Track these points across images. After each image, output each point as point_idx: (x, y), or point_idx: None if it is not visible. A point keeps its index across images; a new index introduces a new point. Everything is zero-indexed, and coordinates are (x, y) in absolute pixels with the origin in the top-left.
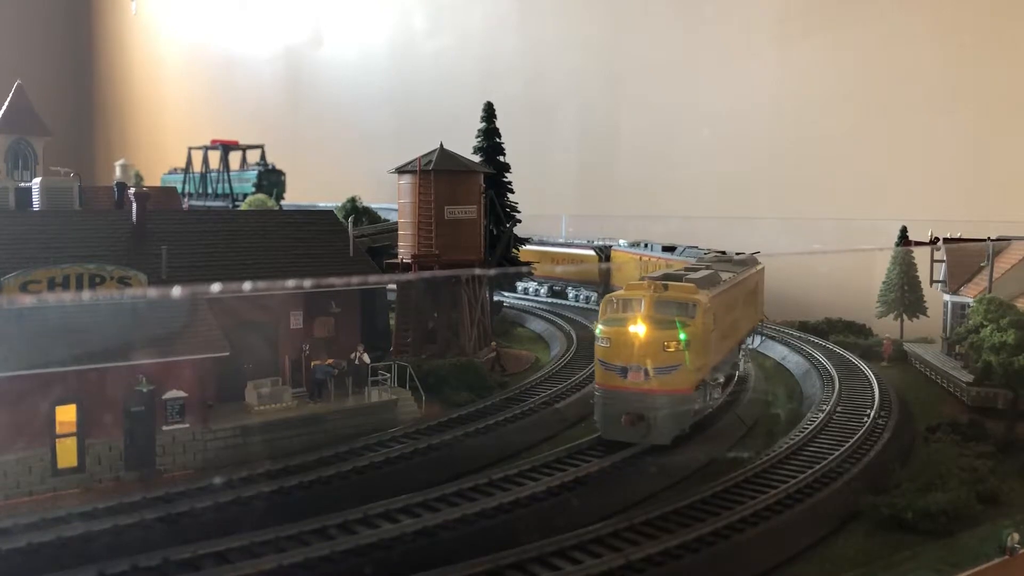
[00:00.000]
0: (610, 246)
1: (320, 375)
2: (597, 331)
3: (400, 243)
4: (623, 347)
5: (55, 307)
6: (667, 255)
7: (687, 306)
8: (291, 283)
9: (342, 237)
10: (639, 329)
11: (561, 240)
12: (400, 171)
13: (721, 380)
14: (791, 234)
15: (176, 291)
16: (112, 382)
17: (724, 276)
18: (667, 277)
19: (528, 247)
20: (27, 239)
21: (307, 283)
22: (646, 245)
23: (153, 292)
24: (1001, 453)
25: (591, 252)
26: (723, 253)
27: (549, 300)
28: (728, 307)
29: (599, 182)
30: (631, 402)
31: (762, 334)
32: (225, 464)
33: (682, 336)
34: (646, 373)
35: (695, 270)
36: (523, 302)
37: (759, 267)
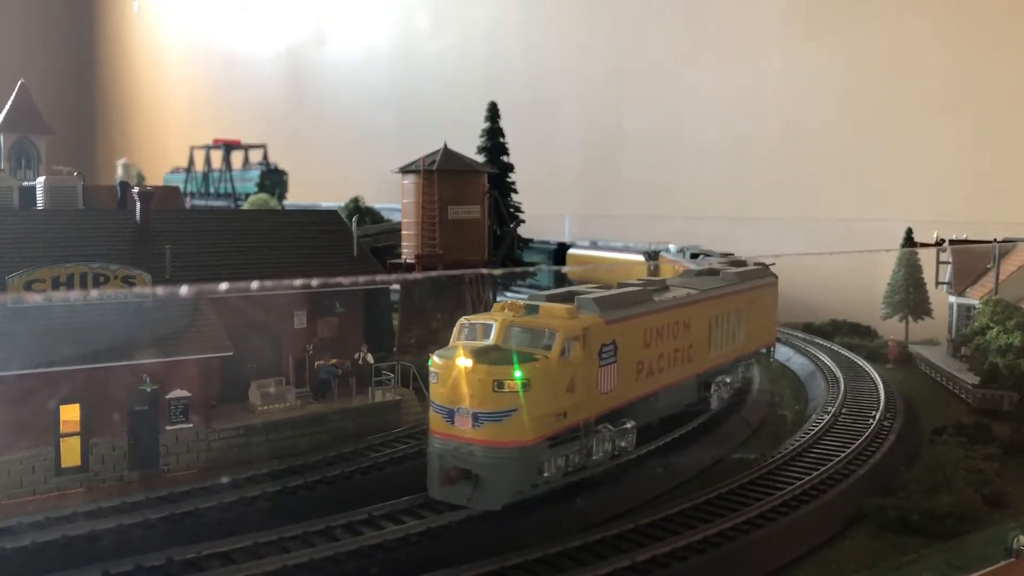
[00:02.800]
0: (658, 251)
1: (324, 375)
2: (430, 362)
3: (403, 243)
4: (450, 385)
5: (59, 306)
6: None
7: (542, 335)
8: (295, 283)
9: (346, 237)
10: (466, 363)
11: (617, 244)
12: (404, 171)
13: (630, 425)
14: (796, 235)
15: (180, 290)
16: (116, 381)
17: (663, 296)
18: (552, 297)
19: (576, 251)
20: (31, 238)
21: (311, 283)
22: (695, 255)
23: (157, 291)
24: (1007, 455)
25: (640, 258)
26: (740, 262)
27: None
28: (656, 334)
29: (603, 182)
30: (459, 454)
31: (762, 357)
32: (229, 464)
33: (518, 374)
34: (474, 418)
35: (625, 285)
36: None
37: (765, 281)
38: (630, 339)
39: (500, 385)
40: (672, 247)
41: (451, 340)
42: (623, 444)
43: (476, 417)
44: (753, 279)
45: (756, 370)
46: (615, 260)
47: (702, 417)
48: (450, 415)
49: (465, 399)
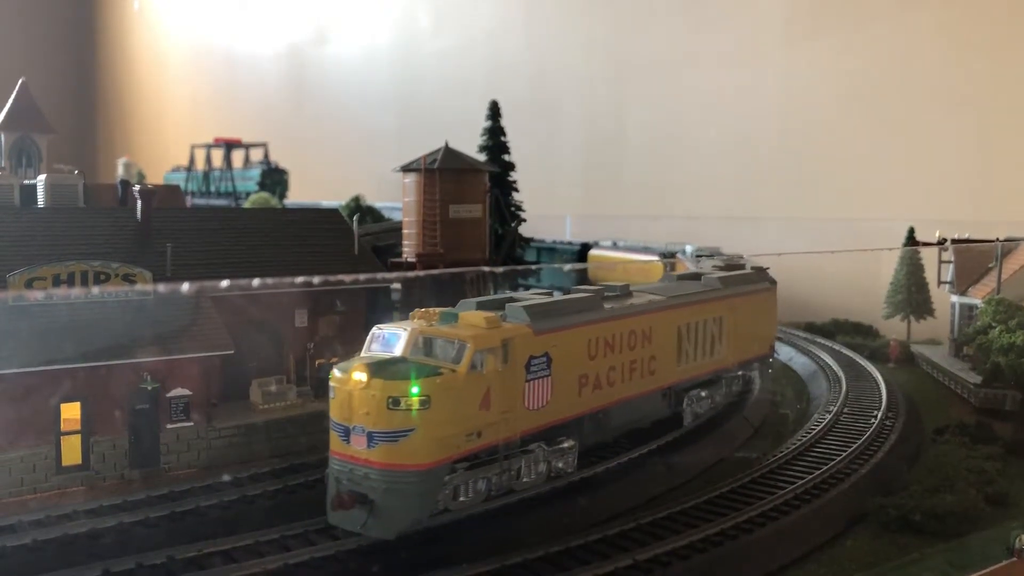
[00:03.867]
0: (674, 252)
1: (325, 374)
2: (330, 375)
3: (404, 242)
4: (346, 401)
5: (60, 304)
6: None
7: (451, 347)
8: (296, 281)
9: (347, 236)
10: (361, 377)
11: (637, 245)
12: (405, 169)
13: (568, 444)
14: (798, 234)
15: (181, 289)
16: (117, 380)
17: (618, 304)
18: (483, 304)
19: (597, 251)
20: (32, 236)
21: (312, 281)
22: (698, 255)
23: (158, 289)
24: (1009, 455)
25: (656, 259)
26: (737, 265)
27: None
28: (605, 345)
29: (604, 182)
30: (354, 476)
31: (752, 373)
32: (230, 462)
33: (415, 390)
34: (369, 438)
35: (577, 291)
36: None
37: (757, 287)
38: (569, 350)
39: (395, 402)
40: (688, 248)
41: (363, 349)
42: (560, 465)
43: (371, 437)
44: (741, 285)
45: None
46: (628, 260)
47: (674, 433)
48: (346, 434)
49: (360, 417)
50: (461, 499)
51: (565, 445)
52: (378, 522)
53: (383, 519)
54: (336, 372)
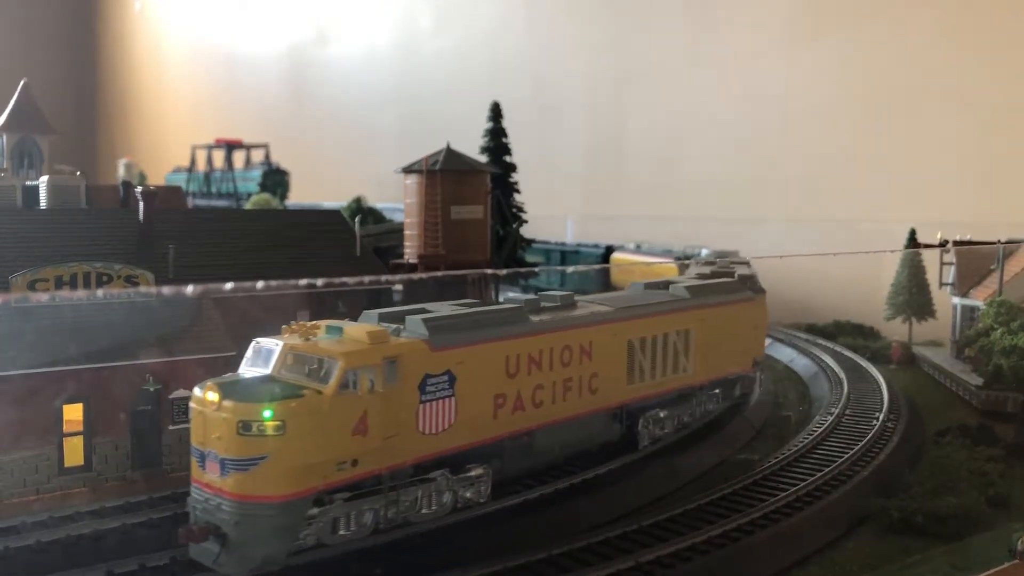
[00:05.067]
0: (690, 255)
1: None
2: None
3: (406, 243)
4: (200, 423)
5: (62, 306)
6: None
7: (320, 365)
8: (298, 283)
9: (349, 237)
10: (213, 398)
11: (657, 249)
12: (406, 171)
13: (476, 472)
14: (800, 236)
15: (183, 290)
16: (119, 381)
17: (550, 316)
18: (385, 316)
19: (620, 254)
20: (34, 237)
21: (315, 283)
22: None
23: (160, 291)
24: (1011, 457)
25: (673, 264)
26: (725, 273)
27: None
28: (529, 361)
29: (606, 183)
30: (208, 507)
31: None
32: None
33: (267, 413)
34: (222, 465)
35: (504, 303)
36: None
37: (736, 296)
38: (480, 368)
39: (246, 427)
40: (704, 251)
41: (241, 365)
42: (469, 495)
43: (223, 464)
44: (715, 295)
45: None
46: (641, 262)
47: (627, 458)
48: (202, 459)
49: (212, 442)
50: (341, 532)
51: (473, 473)
52: (231, 558)
53: (236, 555)
54: (196, 390)
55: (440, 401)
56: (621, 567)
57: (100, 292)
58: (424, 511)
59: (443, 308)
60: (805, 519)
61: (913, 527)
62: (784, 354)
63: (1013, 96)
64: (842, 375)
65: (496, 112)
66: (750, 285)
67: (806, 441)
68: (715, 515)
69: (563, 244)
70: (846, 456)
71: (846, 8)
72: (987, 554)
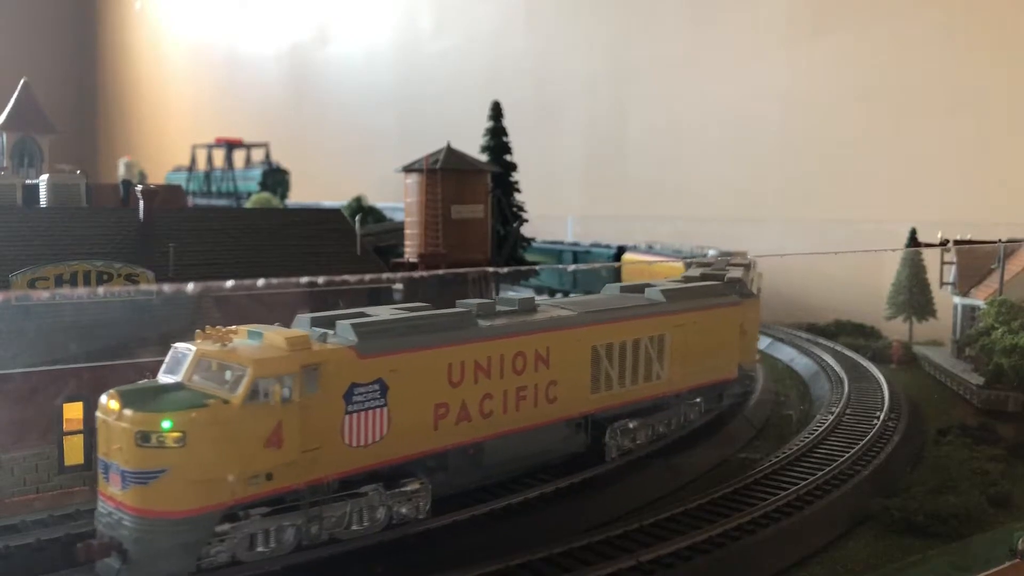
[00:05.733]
0: (695, 256)
1: None
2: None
3: (406, 242)
4: (104, 432)
5: (61, 304)
6: None
7: (230, 373)
8: (298, 281)
9: (349, 236)
10: (114, 405)
11: (667, 250)
12: (407, 170)
13: (413, 487)
14: (800, 235)
15: (184, 289)
16: (119, 379)
17: (504, 320)
18: (317, 321)
19: (631, 255)
20: (34, 236)
21: (315, 281)
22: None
23: (160, 289)
24: (1012, 456)
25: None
26: (715, 275)
27: None
28: (476, 368)
29: (606, 182)
30: (110, 521)
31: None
32: None
33: (166, 424)
34: (123, 478)
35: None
36: None
37: (719, 301)
38: (417, 376)
39: (145, 438)
40: (711, 251)
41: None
42: (404, 511)
43: (123, 477)
44: (694, 299)
45: (760, 370)
46: (643, 261)
47: (595, 469)
48: (106, 471)
49: (114, 452)
50: (260, 549)
51: (409, 488)
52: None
53: (136, 572)
54: (102, 398)
55: (369, 412)
56: (622, 566)
57: (101, 290)
58: (355, 527)
59: (382, 312)
60: (806, 518)
61: (914, 526)
62: (785, 353)
63: (1014, 95)
64: (842, 374)
65: (497, 111)
66: (738, 288)
67: (807, 440)
68: (716, 514)
69: (576, 244)
70: (847, 455)
71: (847, 7)
72: (988, 553)
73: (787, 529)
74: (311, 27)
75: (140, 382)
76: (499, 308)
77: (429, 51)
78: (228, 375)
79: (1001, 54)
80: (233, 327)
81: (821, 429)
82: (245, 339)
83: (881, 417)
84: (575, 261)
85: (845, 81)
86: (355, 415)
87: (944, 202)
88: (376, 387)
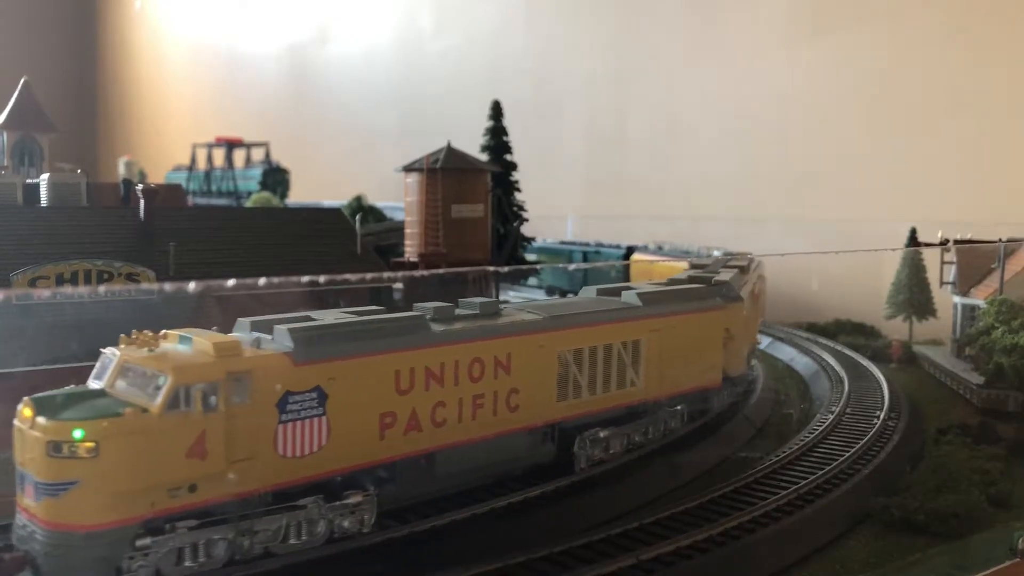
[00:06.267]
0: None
1: None
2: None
3: (407, 242)
4: (18, 440)
5: (63, 303)
6: None
7: (151, 379)
8: (299, 280)
9: (350, 235)
10: (27, 413)
11: (678, 250)
12: (407, 169)
13: (356, 500)
14: (799, 234)
15: (184, 288)
16: None
17: (460, 325)
18: (257, 325)
19: (639, 255)
20: (35, 235)
21: (315, 280)
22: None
23: (162, 288)
24: (1012, 455)
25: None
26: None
27: None
28: (428, 375)
29: (606, 182)
30: (23, 534)
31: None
32: None
33: (77, 434)
34: (36, 489)
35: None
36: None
37: (699, 305)
38: (360, 384)
39: (57, 448)
40: (716, 252)
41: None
42: (347, 524)
43: (36, 488)
44: (674, 302)
45: (760, 369)
46: (646, 261)
47: (564, 480)
48: (22, 482)
49: (28, 462)
50: (187, 564)
51: (352, 500)
52: None
53: None
54: (20, 405)
55: (306, 421)
56: (623, 564)
57: (102, 289)
58: (292, 541)
59: (329, 316)
60: (806, 517)
61: (914, 525)
62: (785, 353)
63: (1014, 94)
64: (842, 374)
65: (497, 111)
66: (724, 291)
67: (807, 439)
68: (716, 513)
69: (587, 244)
70: (847, 455)
71: (847, 7)
72: (988, 553)
73: (787, 528)
74: (311, 27)
75: (64, 388)
76: (459, 312)
77: (429, 50)
78: (149, 382)
79: (1001, 54)
80: (164, 331)
81: (821, 428)
82: (176, 344)
83: (881, 416)
84: (585, 261)
85: (845, 81)
86: (290, 425)
87: (944, 201)
88: (314, 395)
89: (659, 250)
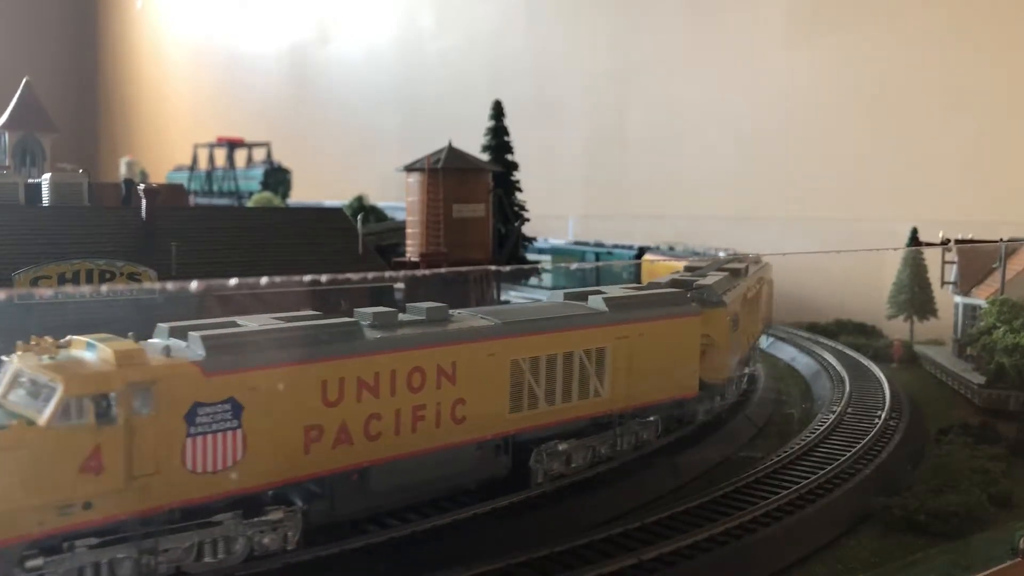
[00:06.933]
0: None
1: None
2: None
3: (408, 241)
4: None
5: (65, 303)
6: None
7: (41, 391)
8: (301, 280)
9: (351, 235)
10: None
11: (689, 251)
12: (409, 169)
13: (277, 516)
14: (800, 234)
15: (186, 287)
16: None
17: (400, 332)
18: (176, 331)
19: (650, 256)
20: (37, 235)
21: (317, 280)
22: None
23: (164, 287)
24: (1013, 455)
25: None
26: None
27: None
28: (360, 385)
29: (607, 181)
30: None
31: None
32: None
33: None
34: None
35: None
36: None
37: (670, 311)
38: (281, 395)
39: None
40: (722, 253)
41: None
42: (266, 542)
43: None
44: (643, 308)
45: (761, 369)
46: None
47: (521, 494)
48: None
49: None
50: None
51: (272, 517)
52: None
53: None
54: None
55: (219, 434)
56: (624, 564)
57: (104, 288)
58: (207, 559)
59: (253, 322)
60: (808, 517)
61: (915, 525)
62: (786, 352)
63: (1015, 93)
64: (844, 373)
65: (498, 110)
66: (705, 296)
67: (808, 439)
68: (718, 513)
69: (601, 245)
70: (848, 454)
71: (847, 7)
72: (989, 552)
73: (789, 527)
74: (312, 26)
75: None
76: (403, 318)
77: (430, 50)
78: (41, 392)
79: (1001, 54)
80: (69, 337)
81: (823, 428)
82: (81, 351)
83: (882, 416)
84: (598, 261)
85: (846, 80)
86: (200, 438)
87: (945, 201)
88: (227, 407)
89: (670, 251)
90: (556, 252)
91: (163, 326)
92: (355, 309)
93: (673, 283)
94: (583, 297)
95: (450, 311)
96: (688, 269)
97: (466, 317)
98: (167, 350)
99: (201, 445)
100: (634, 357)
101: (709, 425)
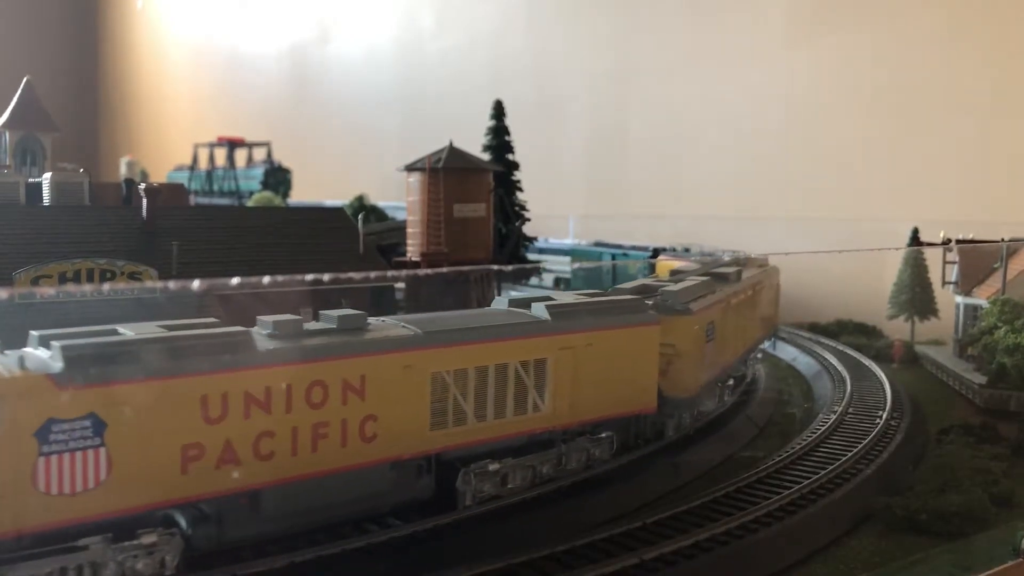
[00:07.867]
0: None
1: None
2: None
3: (408, 241)
4: None
5: (67, 302)
6: None
7: None
8: (302, 279)
9: (352, 235)
10: None
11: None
12: (409, 169)
13: (150, 541)
14: (801, 234)
15: (187, 286)
16: None
17: (299, 343)
18: (43, 339)
19: (664, 257)
20: (37, 234)
21: (319, 279)
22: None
23: (165, 286)
24: (1014, 455)
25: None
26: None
27: None
28: (249, 401)
29: (608, 181)
30: None
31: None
32: None
33: None
34: None
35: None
36: None
37: (627, 319)
38: (152, 411)
39: None
40: (726, 255)
41: None
42: (140, 567)
43: None
44: (591, 316)
45: (762, 369)
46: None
47: (453, 515)
48: None
49: None
50: None
51: (146, 540)
52: None
53: None
54: None
55: (78, 453)
56: (625, 564)
57: (106, 287)
58: None
59: (133, 331)
60: (809, 517)
61: (916, 525)
62: (787, 352)
63: (1016, 94)
64: (845, 373)
65: (499, 110)
66: (669, 303)
67: (809, 439)
68: (719, 513)
69: (619, 246)
70: (850, 454)
71: (847, 7)
72: (991, 552)
73: (790, 527)
74: (312, 26)
75: None
76: (309, 327)
77: (430, 50)
78: None
79: (1001, 54)
80: None
81: (824, 428)
82: None
83: (884, 416)
84: (613, 260)
85: (846, 80)
86: (54, 457)
87: (946, 201)
88: (87, 423)
89: (685, 252)
90: (575, 253)
91: (35, 334)
92: (258, 317)
93: (642, 289)
94: (527, 305)
95: (369, 319)
96: (674, 273)
97: (385, 326)
98: (21, 361)
99: (56, 464)
100: (580, 369)
101: (710, 425)
